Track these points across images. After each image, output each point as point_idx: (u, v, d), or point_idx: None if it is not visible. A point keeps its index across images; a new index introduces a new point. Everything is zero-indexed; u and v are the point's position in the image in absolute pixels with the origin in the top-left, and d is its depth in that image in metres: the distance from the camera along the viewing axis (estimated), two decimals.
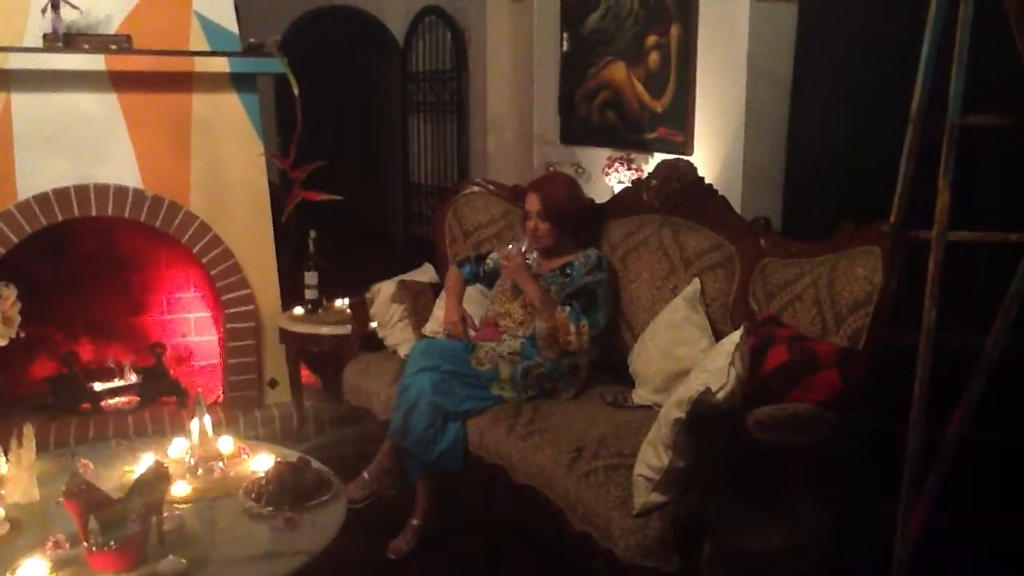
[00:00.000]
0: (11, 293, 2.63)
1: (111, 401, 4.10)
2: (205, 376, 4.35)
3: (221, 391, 4.25)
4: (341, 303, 4.10)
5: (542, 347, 3.07)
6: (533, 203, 3.21)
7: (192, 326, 4.40)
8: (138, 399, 4.13)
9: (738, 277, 2.90)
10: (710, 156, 3.85)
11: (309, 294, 4.08)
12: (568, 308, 3.03)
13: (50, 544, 2.07)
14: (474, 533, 3.31)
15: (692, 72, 3.93)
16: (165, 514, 2.14)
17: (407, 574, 3.01)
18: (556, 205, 3.19)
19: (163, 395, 4.17)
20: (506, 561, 3.14)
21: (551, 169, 4.64)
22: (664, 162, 3.25)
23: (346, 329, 3.81)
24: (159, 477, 2.08)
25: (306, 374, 4.29)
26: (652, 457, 2.26)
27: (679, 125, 4.04)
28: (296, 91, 3.87)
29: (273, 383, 4.20)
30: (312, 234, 4.09)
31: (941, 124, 2.41)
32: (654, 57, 4.18)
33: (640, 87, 4.30)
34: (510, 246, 3.20)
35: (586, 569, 2.71)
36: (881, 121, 2.97)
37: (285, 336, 4.06)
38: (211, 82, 3.91)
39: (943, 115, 2.42)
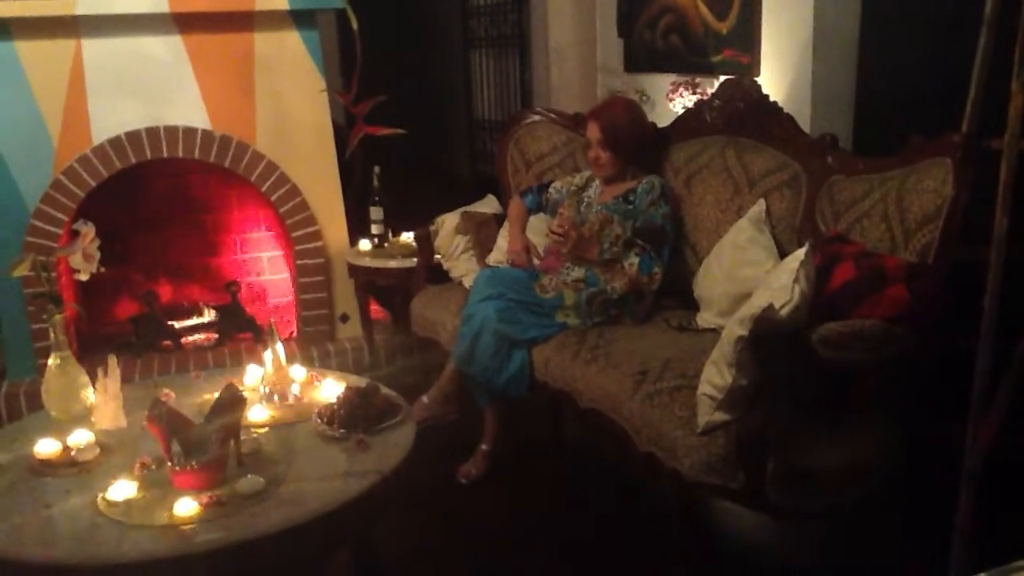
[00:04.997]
0: (89, 230, 2.71)
1: (191, 338, 4.26)
2: (279, 313, 4.47)
3: (295, 327, 4.37)
4: (406, 237, 4.15)
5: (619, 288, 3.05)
6: (593, 132, 3.16)
7: (265, 265, 4.51)
8: (216, 336, 4.27)
9: (805, 196, 2.84)
10: (777, 77, 3.75)
11: (375, 229, 4.13)
12: (637, 258, 3.01)
13: (137, 466, 2.17)
14: (542, 458, 3.38)
15: None
16: (243, 438, 2.23)
17: (477, 497, 3.08)
18: (616, 133, 3.13)
19: (239, 332, 4.30)
20: (574, 484, 3.19)
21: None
22: (727, 81, 3.18)
23: (412, 262, 3.86)
24: (235, 400, 2.15)
25: (375, 309, 4.36)
26: (715, 376, 2.25)
27: (745, 46, 3.93)
28: (355, 25, 3.88)
29: (344, 318, 4.29)
30: (376, 170, 4.13)
31: (1015, 27, 2.30)
32: None
33: (704, 9, 4.19)
34: (554, 222, 3.16)
35: (652, 489, 2.74)
36: (954, 33, 2.85)
37: (353, 271, 4.14)
38: (272, 20, 3.94)
39: (1017, 17, 2.30)
